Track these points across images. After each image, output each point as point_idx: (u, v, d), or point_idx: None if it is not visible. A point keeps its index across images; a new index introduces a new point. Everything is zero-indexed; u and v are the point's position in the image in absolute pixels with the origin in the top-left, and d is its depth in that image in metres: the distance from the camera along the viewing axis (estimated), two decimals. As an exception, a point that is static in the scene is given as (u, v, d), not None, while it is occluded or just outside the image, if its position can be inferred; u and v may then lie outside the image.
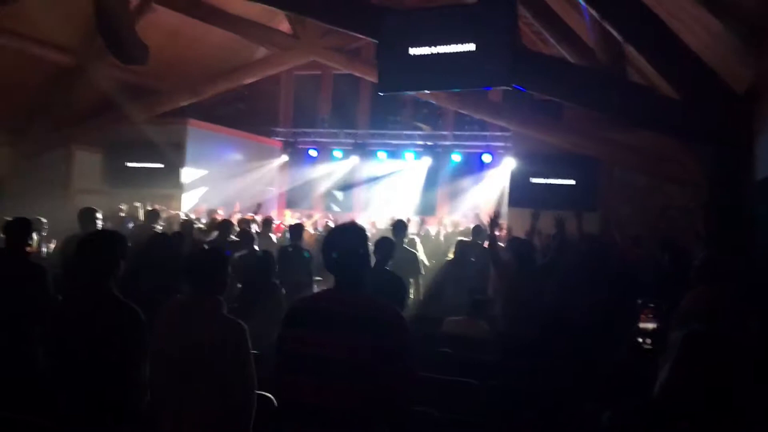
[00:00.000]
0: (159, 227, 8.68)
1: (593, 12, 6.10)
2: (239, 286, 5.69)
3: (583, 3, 6.59)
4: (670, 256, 5.53)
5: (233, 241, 7.42)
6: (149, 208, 9.43)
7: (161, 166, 14.13)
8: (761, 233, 5.10)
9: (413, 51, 6.34)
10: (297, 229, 7.50)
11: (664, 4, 6.20)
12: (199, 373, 2.76)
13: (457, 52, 6.13)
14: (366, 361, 2.33)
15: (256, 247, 7.11)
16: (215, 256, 3.02)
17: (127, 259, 3.12)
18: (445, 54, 6.23)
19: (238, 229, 8.01)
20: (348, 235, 2.62)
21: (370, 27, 6.76)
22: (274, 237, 9.43)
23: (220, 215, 10.84)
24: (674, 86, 5.75)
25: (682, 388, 2.09)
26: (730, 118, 5.57)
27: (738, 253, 5.02)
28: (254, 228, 9.04)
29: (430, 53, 6.26)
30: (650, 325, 2.69)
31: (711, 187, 5.68)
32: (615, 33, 5.90)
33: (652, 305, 2.75)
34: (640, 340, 2.66)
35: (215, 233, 8.56)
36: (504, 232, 10.51)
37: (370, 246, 3.13)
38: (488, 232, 6.34)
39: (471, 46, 6.09)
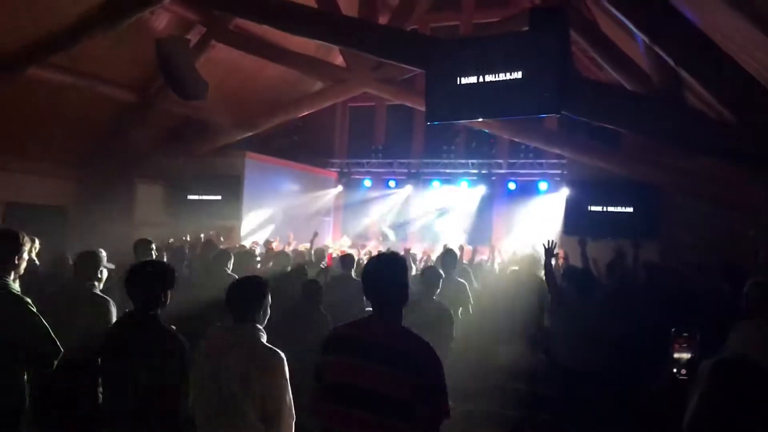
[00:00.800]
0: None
1: (644, 37, 6.01)
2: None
3: (634, 29, 6.52)
4: (732, 284, 5.32)
5: (287, 273, 7.52)
6: (204, 239, 9.67)
7: (220, 198, 14.49)
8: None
9: (461, 80, 6.37)
10: (348, 260, 7.55)
11: (718, 27, 6.06)
12: (238, 401, 2.80)
13: (504, 80, 6.13)
14: (393, 393, 2.32)
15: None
16: (254, 284, 3.08)
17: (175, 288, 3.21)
18: (492, 82, 6.24)
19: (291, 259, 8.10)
20: (386, 265, 2.63)
21: (419, 58, 6.84)
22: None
23: (276, 246, 11.02)
24: (730, 110, 5.58)
25: (711, 418, 2.01)
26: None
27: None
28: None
29: (477, 82, 6.28)
30: (685, 355, 2.58)
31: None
32: (666, 57, 5.79)
33: (686, 334, 2.64)
34: (675, 370, 2.56)
35: (270, 264, 8.73)
36: (561, 261, 10.33)
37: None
38: (544, 261, 6.23)
39: (518, 74, 6.09)
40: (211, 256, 7.36)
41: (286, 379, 2.88)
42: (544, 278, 6.44)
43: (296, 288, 5.75)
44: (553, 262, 6.29)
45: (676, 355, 2.61)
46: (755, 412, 2.00)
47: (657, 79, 8.04)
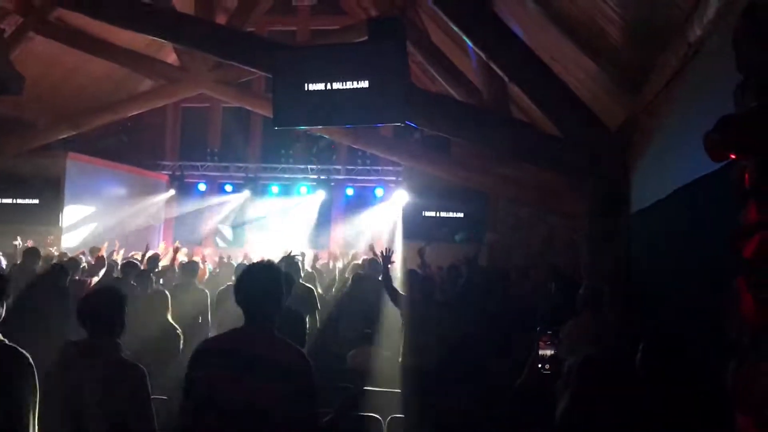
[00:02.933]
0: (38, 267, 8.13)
1: (481, 53, 6.42)
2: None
3: (470, 45, 6.94)
4: (557, 285, 5.84)
5: (118, 279, 7.10)
6: (28, 246, 8.81)
7: (36, 201, 13.29)
8: (636, 263, 5.50)
9: (309, 86, 6.39)
10: (190, 268, 7.27)
11: (546, 47, 6.64)
12: (97, 417, 2.61)
13: (352, 89, 6.24)
14: (270, 405, 2.30)
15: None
16: (113, 296, 2.88)
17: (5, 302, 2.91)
18: (340, 90, 6.33)
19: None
20: (263, 272, 2.59)
21: (266, 62, 6.76)
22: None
23: (103, 253, 10.30)
24: (554, 123, 6.13)
25: (582, 414, 2.20)
26: (604, 154, 6.00)
27: (615, 281, 5.38)
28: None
29: (325, 89, 6.34)
30: (548, 352, 2.84)
31: (590, 219, 6.06)
32: (501, 73, 6.23)
33: (549, 332, 2.91)
34: (539, 365, 2.81)
35: (102, 272, 8.18)
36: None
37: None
38: (382, 267, 6.44)
39: (365, 84, 6.23)
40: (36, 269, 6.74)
41: (148, 393, 2.73)
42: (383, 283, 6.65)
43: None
44: (391, 266, 6.54)
45: (540, 352, 2.84)
46: (621, 404, 2.21)
47: (487, 93, 8.63)
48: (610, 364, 2.29)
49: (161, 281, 8.29)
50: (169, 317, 5.08)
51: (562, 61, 6.46)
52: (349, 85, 6.26)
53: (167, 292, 5.34)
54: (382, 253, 6.36)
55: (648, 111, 4.93)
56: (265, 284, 2.52)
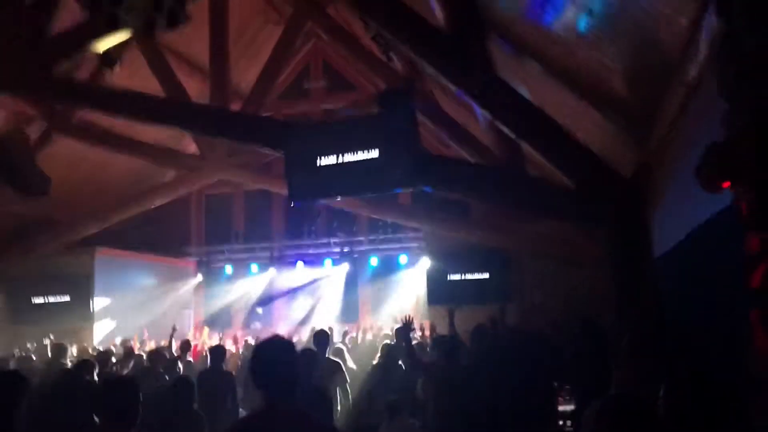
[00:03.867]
0: (68, 362, 8.20)
1: (486, 114, 6.53)
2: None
3: (476, 106, 7.08)
4: (583, 337, 5.72)
5: (147, 369, 7.10)
6: (55, 343, 8.91)
7: (68, 299, 13.50)
8: (667, 307, 5.38)
9: (321, 161, 6.53)
10: (217, 351, 7.26)
11: (549, 102, 6.73)
12: None
13: (362, 160, 6.36)
14: None
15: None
16: (125, 386, 2.88)
17: (28, 398, 2.93)
18: (351, 162, 6.45)
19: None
20: (276, 348, 2.59)
21: (278, 141, 6.95)
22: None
23: (134, 344, 10.37)
24: (567, 176, 6.14)
25: None
26: (618, 201, 5.98)
27: (646, 329, 5.25)
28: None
29: (337, 162, 6.47)
30: (568, 407, 2.74)
31: (613, 269, 5.98)
32: (507, 131, 6.31)
33: (567, 387, 2.82)
34: (560, 423, 2.71)
35: (132, 363, 8.20)
36: (427, 332, 10.58)
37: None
38: (403, 335, 6.40)
39: (375, 153, 6.35)
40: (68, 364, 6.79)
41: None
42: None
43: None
44: (413, 335, 6.49)
45: (560, 408, 2.76)
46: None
47: (499, 152, 8.70)
48: (630, 408, 2.21)
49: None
50: (195, 405, 5.04)
51: (569, 114, 6.53)
52: (359, 156, 6.39)
53: (192, 380, 5.32)
54: (402, 321, 6.32)
55: (658, 154, 4.93)
56: (280, 360, 2.50)
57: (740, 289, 3.24)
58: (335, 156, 6.49)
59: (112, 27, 5.93)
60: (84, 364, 6.07)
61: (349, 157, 6.44)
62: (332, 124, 7.07)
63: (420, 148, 6.80)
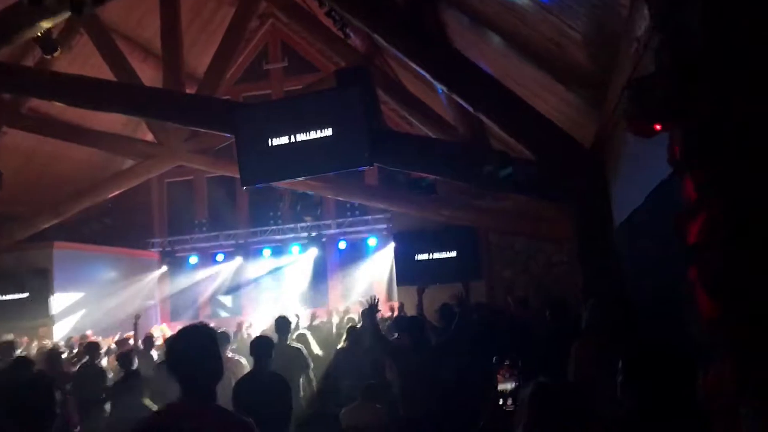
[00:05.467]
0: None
1: (444, 88, 6.31)
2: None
3: (434, 80, 6.86)
4: (550, 312, 5.59)
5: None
6: (4, 340, 8.54)
7: (26, 296, 13.04)
8: (627, 278, 5.25)
9: (273, 141, 6.27)
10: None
11: (509, 74, 6.54)
12: None
13: (316, 138, 6.12)
14: None
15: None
16: (38, 386, 2.63)
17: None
18: (305, 141, 6.21)
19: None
20: (194, 339, 2.36)
21: (227, 123, 6.66)
22: (155, 354, 8.84)
23: (91, 339, 10.02)
24: (530, 149, 5.97)
25: None
26: (581, 172, 5.83)
27: (611, 300, 5.12)
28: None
29: (290, 142, 6.21)
30: (508, 385, 2.58)
31: (579, 241, 5.84)
32: (465, 105, 6.10)
33: (507, 363, 2.65)
34: (501, 402, 2.55)
35: (87, 358, 7.90)
36: (396, 313, 10.42)
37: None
38: (369, 317, 6.22)
39: (328, 131, 6.11)
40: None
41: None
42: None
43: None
44: (381, 316, 6.32)
45: (500, 387, 2.59)
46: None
47: (462, 127, 8.51)
48: (565, 393, 2.05)
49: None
50: (145, 400, 4.81)
51: (529, 86, 6.34)
52: (312, 135, 6.14)
53: (141, 374, 5.08)
54: (366, 302, 6.14)
55: (614, 121, 4.77)
56: (199, 350, 2.28)
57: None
58: (287, 136, 6.24)
59: (35, 4, 5.55)
60: (21, 361, 5.75)
61: (302, 137, 6.19)
62: (283, 103, 6.79)
63: (378, 126, 6.57)
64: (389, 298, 13.41)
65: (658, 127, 1.52)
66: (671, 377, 1.79)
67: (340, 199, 13.35)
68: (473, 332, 6.13)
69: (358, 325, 8.23)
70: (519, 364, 2.63)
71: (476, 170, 6.46)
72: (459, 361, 5.61)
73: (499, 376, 2.53)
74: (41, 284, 12.95)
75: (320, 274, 15.59)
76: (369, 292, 13.57)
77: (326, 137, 6.09)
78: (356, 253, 15.32)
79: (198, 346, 2.29)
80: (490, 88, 5.98)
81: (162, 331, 12.03)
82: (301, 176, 6.63)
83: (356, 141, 6.01)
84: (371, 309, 6.07)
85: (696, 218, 1.42)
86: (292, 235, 15.60)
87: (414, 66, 6.21)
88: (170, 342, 2.37)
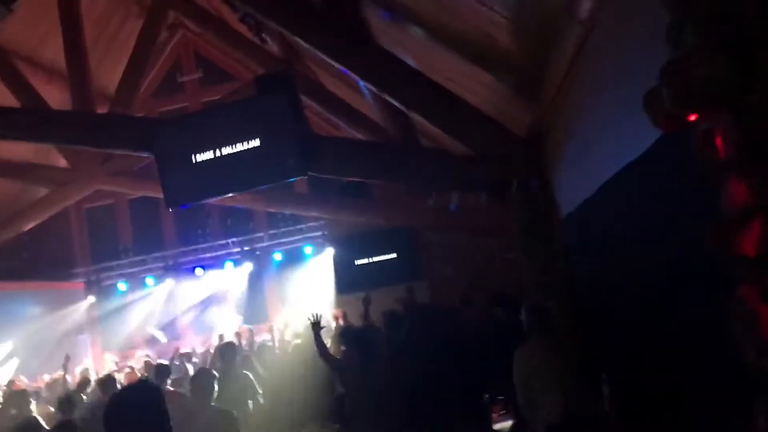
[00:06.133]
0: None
1: (372, 87, 6.07)
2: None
3: (361, 81, 6.63)
4: (505, 310, 5.45)
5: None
6: None
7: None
8: (576, 268, 5.15)
9: (197, 158, 5.88)
10: (107, 383, 6.52)
11: (440, 69, 6.35)
12: None
13: (243, 150, 5.77)
14: None
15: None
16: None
17: None
18: (232, 155, 5.84)
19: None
20: (132, 401, 2.03)
21: (145, 142, 6.22)
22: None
23: (20, 385, 9.31)
24: (464, 143, 5.81)
25: None
26: (518, 164, 5.71)
27: (559, 296, 5.03)
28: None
29: (215, 156, 5.84)
30: (507, 424, 2.37)
31: (521, 234, 5.71)
32: (396, 104, 5.89)
33: (501, 397, 2.46)
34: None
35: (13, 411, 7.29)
36: (341, 321, 10.14)
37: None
38: (314, 335, 5.93)
39: (256, 142, 5.77)
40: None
41: None
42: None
43: None
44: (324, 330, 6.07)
45: (497, 427, 2.38)
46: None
47: (391, 128, 8.29)
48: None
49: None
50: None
51: (459, 80, 6.17)
52: (239, 147, 5.78)
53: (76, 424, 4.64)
54: (309, 319, 5.86)
55: (553, 108, 4.65)
56: (138, 415, 1.96)
57: (659, 243, 2.97)
58: (212, 150, 5.86)
59: None
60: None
61: (227, 150, 5.82)
62: (204, 115, 6.38)
63: (305, 132, 6.28)
64: (331, 307, 13.09)
65: (693, 117, 1.30)
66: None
67: (272, 210, 12.94)
68: (427, 338, 5.92)
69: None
70: (512, 400, 2.43)
71: (407, 169, 6.28)
72: (418, 371, 5.41)
73: (494, 415, 2.31)
74: (-42, 333, 12.02)
75: (257, 290, 15.09)
76: (308, 303, 13.31)
77: (254, 148, 5.74)
78: (293, 263, 14.90)
79: (138, 411, 1.97)
80: (421, 86, 5.79)
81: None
82: (230, 192, 6.26)
83: (287, 150, 5.69)
84: (315, 325, 5.78)
85: (749, 227, 1.20)
86: (224, 251, 15.06)
87: (340, 67, 5.96)
88: (108, 405, 2.04)
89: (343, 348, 6.71)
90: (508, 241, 10.22)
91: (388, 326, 6.61)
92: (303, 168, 5.81)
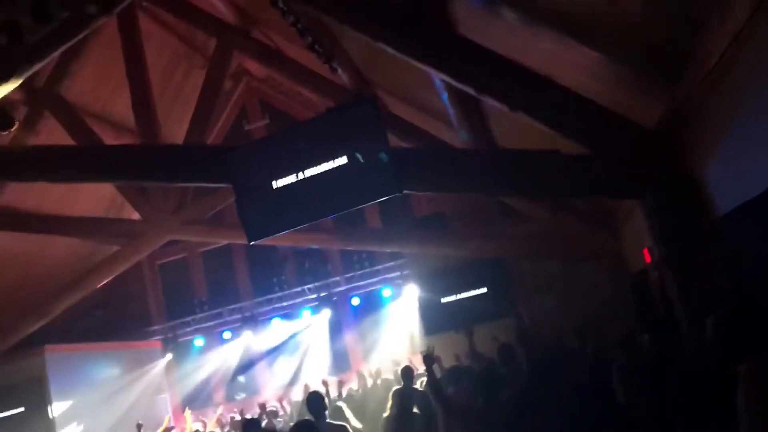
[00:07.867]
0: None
1: (470, 90, 5.34)
2: None
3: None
4: (653, 337, 4.53)
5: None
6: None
7: (22, 410, 11.78)
8: (744, 274, 4.21)
9: (277, 183, 5.26)
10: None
11: (540, 58, 5.59)
12: None
13: (330, 170, 5.12)
14: None
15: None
16: None
17: None
18: (314, 176, 5.21)
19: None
20: None
21: (221, 172, 5.67)
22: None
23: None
24: (582, 142, 5.00)
25: None
26: (647, 161, 4.87)
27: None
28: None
29: (298, 180, 5.21)
30: None
31: (661, 242, 4.81)
32: (499, 105, 5.15)
33: None
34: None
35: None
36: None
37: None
38: (426, 371, 5.18)
39: (342, 160, 5.12)
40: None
41: None
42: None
43: None
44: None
45: None
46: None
47: (468, 132, 7.51)
48: None
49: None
50: None
51: (565, 68, 5.39)
52: (324, 166, 5.15)
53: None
54: (422, 354, 5.11)
55: (702, 94, 3.83)
56: None
57: None
58: (293, 173, 5.24)
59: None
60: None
61: (311, 171, 5.19)
62: (283, 135, 5.75)
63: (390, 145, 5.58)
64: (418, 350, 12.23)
65: None
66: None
67: (350, 248, 12.32)
68: (552, 377, 5.04)
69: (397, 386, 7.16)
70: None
71: (513, 176, 5.48)
72: (547, 413, 4.54)
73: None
74: (37, 394, 11.71)
75: (337, 337, 14.40)
76: (393, 348, 12.51)
77: (340, 167, 5.09)
78: (371, 307, 14.17)
79: None
80: (527, 83, 5.05)
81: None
82: (314, 219, 5.53)
83: (378, 166, 5.01)
84: (428, 359, 5.03)
85: None
86: (300, 299, 14.50)
87: (430, 70, 5.29)
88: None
89: (451, 389, 5.92)
90: (611, 265, 9.29)
91: (503, 362, 5.76)
92: (399, 185, 5.09)
